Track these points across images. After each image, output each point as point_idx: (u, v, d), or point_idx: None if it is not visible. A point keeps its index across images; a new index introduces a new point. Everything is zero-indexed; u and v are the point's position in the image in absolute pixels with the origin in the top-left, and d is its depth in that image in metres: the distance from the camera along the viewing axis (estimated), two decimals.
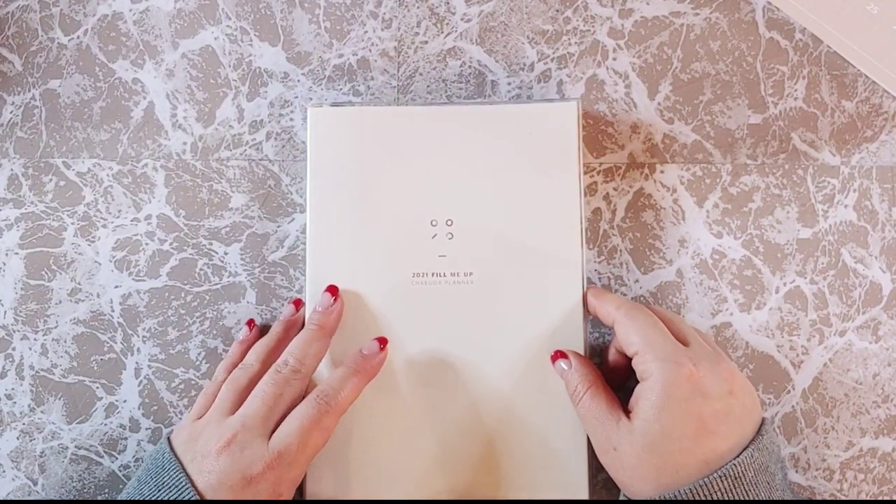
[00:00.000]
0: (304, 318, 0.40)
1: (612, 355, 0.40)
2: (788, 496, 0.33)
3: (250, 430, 0.34)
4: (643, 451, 0.32)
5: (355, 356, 0.38)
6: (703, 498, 0.30)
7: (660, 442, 0.32)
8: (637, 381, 0.35)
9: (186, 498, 0.32)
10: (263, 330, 0.42)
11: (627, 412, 0.34)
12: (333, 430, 0.35)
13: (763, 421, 0.34)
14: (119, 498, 0.35)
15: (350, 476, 0.38)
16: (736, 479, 0.31)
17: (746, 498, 0.31)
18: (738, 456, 0.32)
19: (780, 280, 0.43)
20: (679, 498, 0.31)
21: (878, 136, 0.44)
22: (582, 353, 0.38)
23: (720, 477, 0.31)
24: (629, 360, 0.36)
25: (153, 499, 0.33)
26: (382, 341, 0.38)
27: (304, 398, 0.36)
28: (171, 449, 0.35)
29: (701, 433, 0.32)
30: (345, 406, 0.36)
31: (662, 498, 0.31)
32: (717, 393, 0.33)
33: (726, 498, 0.30)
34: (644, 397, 0.33)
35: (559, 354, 0.38)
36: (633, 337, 0.35)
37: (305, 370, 0.37)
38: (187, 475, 0.33)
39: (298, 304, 0.41)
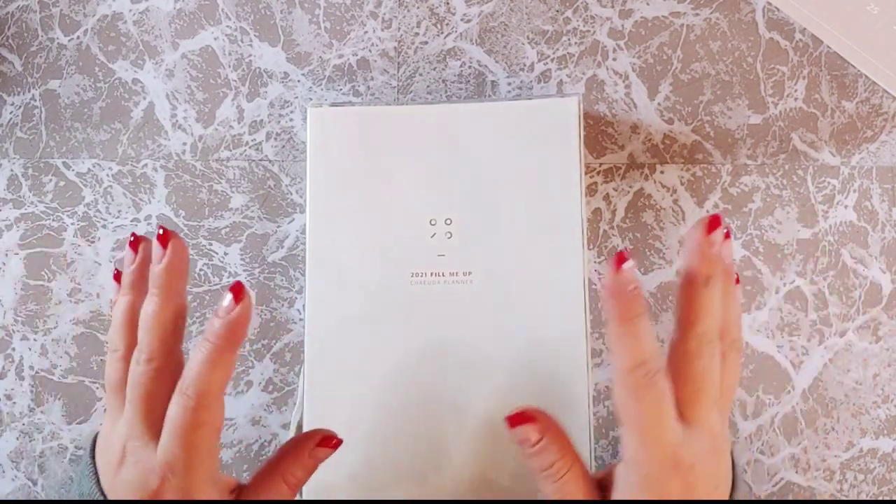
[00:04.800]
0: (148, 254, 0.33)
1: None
2: None
3: (136, 440, 0.30)
4: None
5: (210, 324, 0.30)
6: None
7: None
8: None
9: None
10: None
11: (603, 488, 0.31)
12: (221, 421, 0.30)
13: (733, 463, 0.31)
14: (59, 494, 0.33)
15: (349, 475, 0.38)
16: None
17: None
18: None
19: (780, 280, 0.43)
20: None
21: (878, 136, 0.44)
22: (584, 352, 0.38)
23: None
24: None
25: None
26: (237, 290, 0.30)
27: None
28: (93, 452, 0.32)
29: None
30: (213, 389, 0.29)
31: None
32: (704, 492, 0.29)
33: None
34: (629, 488, 0.29)
35: (521, 418, 0.31)
36: (628, 412, 0.29)
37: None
38: (101, 489, 0.30)
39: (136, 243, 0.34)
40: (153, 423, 0.30)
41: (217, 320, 0.30)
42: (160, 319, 0.31)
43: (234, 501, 0.32)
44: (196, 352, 0.30)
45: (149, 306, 0.31)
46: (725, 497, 0.30)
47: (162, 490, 0.29)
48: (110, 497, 0.30)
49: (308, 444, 0.33)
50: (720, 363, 0.30)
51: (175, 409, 0.29)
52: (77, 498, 0.31)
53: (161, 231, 0.32)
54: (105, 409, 0.34)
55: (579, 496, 0.30)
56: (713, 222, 0.30)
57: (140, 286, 0.33)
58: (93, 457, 0.32)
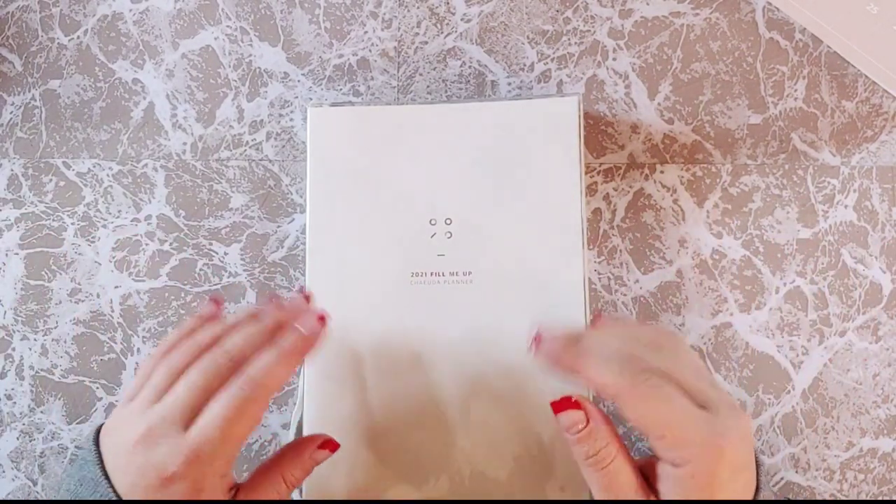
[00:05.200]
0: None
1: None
2: None
3: (169, 422, 0.30)
4: None
5: (288, 334, 0.33)
6: None
7: None
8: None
9: (103, 496, 0.29)
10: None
11: (654, 487, 0.30)
12: (261, 418, 0.32)
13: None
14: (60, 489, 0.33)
15: (349, 475, 0.38)
16: None
17: None
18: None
19: (780, 280, 0.43)
20: None
21: (878, 136, 0.44)
22: None
23: None
24: None
25: (74, 493, 0.30)
26: (321, 317, 0.33)
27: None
28: (97, 439, 0.32)
29: None
30: (270, 388, 0.31)
31: None
32: (745, 461, 0.30)
33: None
34: (678, 482, 0.29)
35: (567, 403, 0.31)
36: (651, 420, 0.29)
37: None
38: (104, 472, 0.30)
39: (218, 304, 0.36)
40: (192, 413, 0.30)
41: (296, 332, 0.32)
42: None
43: (236, 501, 0.32)
44: (267, 353, 0.31)
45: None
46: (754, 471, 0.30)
47: (180, 475, 0.29)
48: (115, 477, 0.30)
49: (309, 447, 0.35)
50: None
51: (230, 396, 0.30)
52: (76, 484, 0.31)
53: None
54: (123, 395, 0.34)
55: (626, 484, 0.30)
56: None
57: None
58: (96, 444, 0.32)
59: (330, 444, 0.35)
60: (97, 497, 0.30)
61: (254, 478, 0.33)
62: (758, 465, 0.31)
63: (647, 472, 0.31)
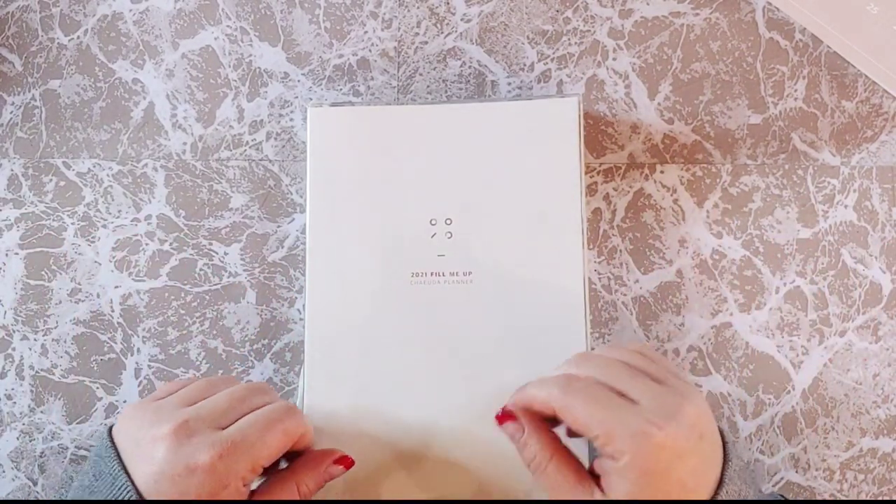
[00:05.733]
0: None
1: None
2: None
3: (203, 420, 0.31)
4: None
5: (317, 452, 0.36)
6: None
7: None
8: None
9: (121, 489, 0.30)
10: None
11: (596, 477, 0.31)
12: (294, 439, 0.33)
13: (722, 435, 0.32)
14: (71, 487, 0.34)
15: (348, 475, 0.38)
16: None
17: None
18: (714, 495, 0.30)
19: (780, 280, 0.43)
20: None
21: (878, 136, 0.44)
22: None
23: None
24: None
25: (92, 490, 0.31)
26: (348, 464, 0.36)
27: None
28: (111, 435, 0.33)
29: (682, 494, 0.30)
30: (308, 428, 0.34)
31: None
32: (689, 447, 0.30)
33: None
34: (620, 476, 0.30)
35: (506, 416, 0.33)
36: (583, 421, 0.30)
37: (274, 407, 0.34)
38: (122, 465, 0.31)
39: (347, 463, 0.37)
40: (229, 418, 0.32)
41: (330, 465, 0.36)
42: (283, 444, 0.33)
43: (252, 501, 0.33)
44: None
45: (288, 418, 0.34)
46: (718, 460, 0.31)
47: (208, 466, 0.30)
48: (136, 467, 0.30)
49: (326, 460, 0.36)
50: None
51: (273, 408, 0.33)
52: (92, 478, 0.31)
53: (345, 461, 0.36)
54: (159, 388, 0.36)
55: (563, 483, 0.31)
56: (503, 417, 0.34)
57: None
58: (111, 439, 0.32)
59: (346, 461, 0.36)
60: (115, 491, 0.30)
61: (270, 482, 0.34)
62: (724, 442, 0.31)
63: (600, 469, 0.32)
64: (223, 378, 0.36)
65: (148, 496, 0.30)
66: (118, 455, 0.31)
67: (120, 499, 0.30)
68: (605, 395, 0.31)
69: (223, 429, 0.31)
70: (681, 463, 0.29)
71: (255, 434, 0.31)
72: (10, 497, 0.43)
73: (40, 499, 0.43)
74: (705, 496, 0.30)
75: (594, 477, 0.31)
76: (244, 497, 0.32)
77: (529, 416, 0.33)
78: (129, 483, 0.30)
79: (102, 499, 0.30)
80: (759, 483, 0.42)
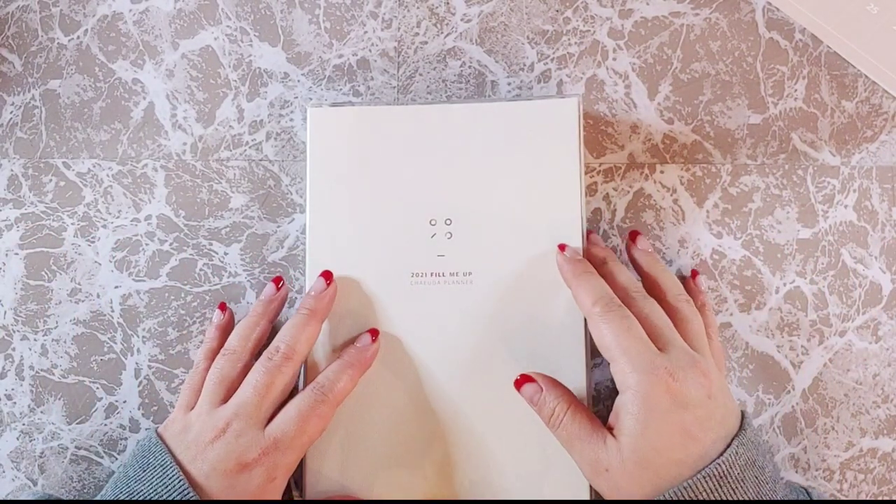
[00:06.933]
0: (285, 297, 0.41)
1: None
2: (780, 487, 0.33)
3: (244, 419, 0.34)
4: (636, 468, 0.31)
5: (349, 350, 0.38)
6: (689, 498, 0.30)
7: (651, 457, 0.31)
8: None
9: (171, 478, 0.33)
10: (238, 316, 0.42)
11: (610, 429, 0.33)
12: (330, 420, 0.36)
13: (743, 415, 0.34)
14: (107, 485, 0.35)
15: (349, 474, 0.38)
16: (721, 477, 0.30)
17: (733, 496, 0.30)
18: (721, 454, 0.31)
19: (780, 280, 0.43)
20: (664, 498, 0.30)
21: (878, 136, 0.44)
22: (583, 353, 0.38)
23: (704, 477, 0.30)
24: None
25: (138, 479, 0.33)
26: (374, 333, 0.38)
27: (297, 387, 0.37)
28: (160, 437, 0.35)
29: (687, 442, 0.31)
30: (341, 397, 0.37)
31: (646, 499, 0.31)
32: (696, 400, 0.32)
33: (713, 497, 0.30)
34: (625, 411, 0.32)
35: (525, 379, 0.36)
36: (606, 341, 0.34)
37: (297, 357, 0.37)
38: (175, 459, 0.34)
39: (278, 281, 0.41)
40: (266, 409, 0.35)
41: (359, 345, 0.38)
42: (311, 332, 0.37)
43: (295, 501, 0.36)
44: (338, 363, 0.37)
45: (300, 319, 0.37)
46: (730, 429, 0.33)
47: (257, 462, 0.33)
48: (191, 468, 0.33)
49: None
50: (665, 312, 0.36)
51: (305, 399, 0.36)
52: (139, 469, 0.33)
53: (326, 275, 0.39)
54: (179, 398, 0.38)
55: (582, 433, 0.34)
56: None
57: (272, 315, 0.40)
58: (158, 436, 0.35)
59: None
60: (165, 481, 0.32)
61: None
62: (743, 416, 0.34)
63: (612, 423, 0.34)
64: (211, 352, 0.39)
65: (199, 491, 0.33)
66: (170, 450, 0.34)
67: (173, 490, 0.32)
68: (637, 331, 0.34)
69: (265, 420, 0.35)
70: (686, 412, 0.32)
71: (294, 428, 0.35)
72: (10, 497, 0.43)
73: (43, 498, 0.43)
74: (712, 451, 0.32)
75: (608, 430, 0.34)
76: (283, 489, 0.35)
77: (545, 377, 0.36)
78: (180, 474, 0.32)
79: (152, 489, 0.33)
80: (776, 464, 0.42)
